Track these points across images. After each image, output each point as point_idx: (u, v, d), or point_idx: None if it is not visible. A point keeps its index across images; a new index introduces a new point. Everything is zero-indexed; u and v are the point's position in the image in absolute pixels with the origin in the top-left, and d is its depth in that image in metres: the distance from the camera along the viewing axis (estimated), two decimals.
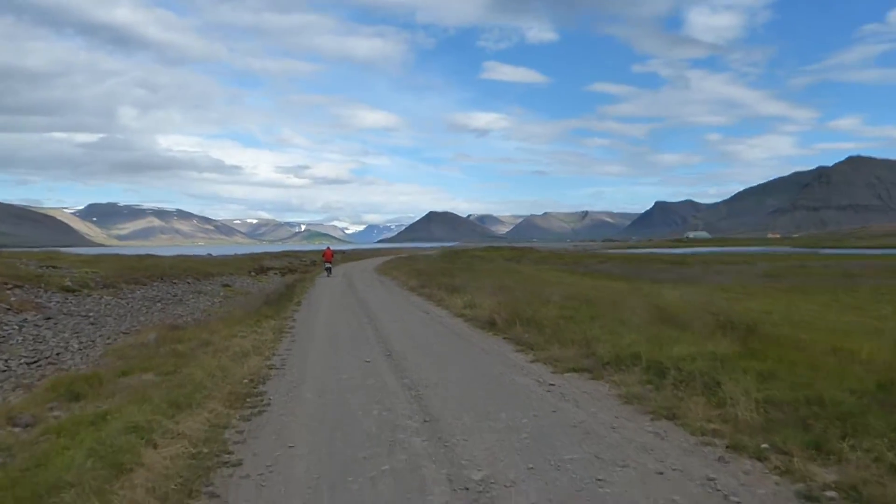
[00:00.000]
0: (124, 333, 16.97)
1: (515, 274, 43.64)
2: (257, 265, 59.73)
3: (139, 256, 43.39)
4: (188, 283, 29.75)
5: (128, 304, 21.61)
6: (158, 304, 22.42)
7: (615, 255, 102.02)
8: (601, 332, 10.92)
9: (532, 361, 10.33)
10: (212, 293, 27.76)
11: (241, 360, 10.34)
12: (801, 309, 21.44)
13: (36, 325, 17.08)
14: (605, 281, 36.78)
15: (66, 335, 16.36)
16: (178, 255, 63.12)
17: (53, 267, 25.69)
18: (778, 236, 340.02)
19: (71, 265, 27.62)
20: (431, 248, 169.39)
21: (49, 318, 17.75)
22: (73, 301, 20.06)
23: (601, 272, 48.45)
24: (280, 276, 52.22)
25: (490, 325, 14.16)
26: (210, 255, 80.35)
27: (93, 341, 15.79)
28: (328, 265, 40.85)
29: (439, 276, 32.75)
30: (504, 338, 12.75)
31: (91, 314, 18.71)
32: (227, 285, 31.02)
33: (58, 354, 14.43)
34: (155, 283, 27.19)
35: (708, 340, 9.26)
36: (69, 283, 21.82)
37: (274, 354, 11.45)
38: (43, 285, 21.31)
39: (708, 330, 10.14)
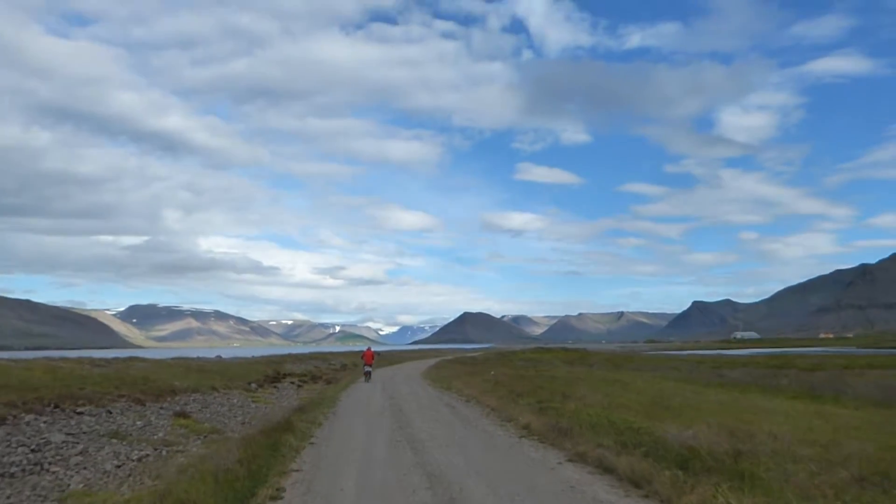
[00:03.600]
0: None
1: (625, 387, 29.76)
2: (272, 371, 46.54)
3: (83, 360, 30.77)
4: (109, 411, 16.46)
5: None
6: None
7: (689, 357, 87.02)
8: None
9: None
10: (133, 439, 14.26)
11: None
12: None
13: None
14: (818, 405, 22.60)
15: None
16: (175, 358, 50.39)
17: None
18: (831, 336, 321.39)
19: None
20: (472, 349, 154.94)
21: None
22: None
23: (750, 384, 33.94)
24: (296, 387, 38.81)
25: None
26: (219, 357, 67.42)
27: None
28: (368, 368, 37.61)
29: (555, 399, 18.99)
30: None
31: None
32: (181, 415, 17.60)
33: None
34: (29, 416, 14.07)
35: None
36: None
37: None
38: None
39: None
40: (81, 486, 10.48)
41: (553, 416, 13.75)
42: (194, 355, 67.80)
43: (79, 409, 15.81)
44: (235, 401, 23.51)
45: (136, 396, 18.85)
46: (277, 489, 8.16)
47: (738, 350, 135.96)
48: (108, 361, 36.11)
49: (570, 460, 9.88)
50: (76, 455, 12.22)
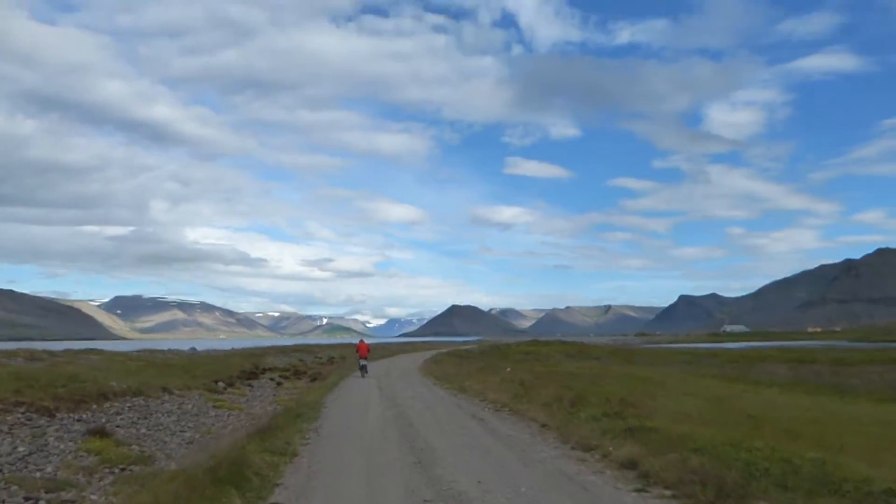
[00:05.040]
0: None
1: (663, 387, 24.89)
2: (249, 365, 41.37)
3: (19, 353, 25.72)
4: None
5: None
6: None
7: (695, 350, 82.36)
8: None
9: None
10: None
11: None
12: None
13: None
14: None
15: None
16: (140, 351, 45.21)
17: None
18: (819, 330, 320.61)
19: None
20: (461, 342, 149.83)
21: None
22: None
23: (810, 382, 29.10)
24: (275, 384, 33.67)
25: None
26: (193, 349, 62.05)
27: None
28: (363, 362, 34.34)
29: (623, 409, 13.89)
30: None
31: None
32: (98, 433, 12.40)
33: None
34: None
35: None
36: None
37: None
38: None
39: None
40: None
41: (666, 448, 8.64)
42: (166, 347, 62.34)
43: None
44: (191, 406, 18.29)
45: (42, 404, 13.59)
46: None
47: (733, 343, 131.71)
48: (51, 354, 30.82)
49: None
50: None
